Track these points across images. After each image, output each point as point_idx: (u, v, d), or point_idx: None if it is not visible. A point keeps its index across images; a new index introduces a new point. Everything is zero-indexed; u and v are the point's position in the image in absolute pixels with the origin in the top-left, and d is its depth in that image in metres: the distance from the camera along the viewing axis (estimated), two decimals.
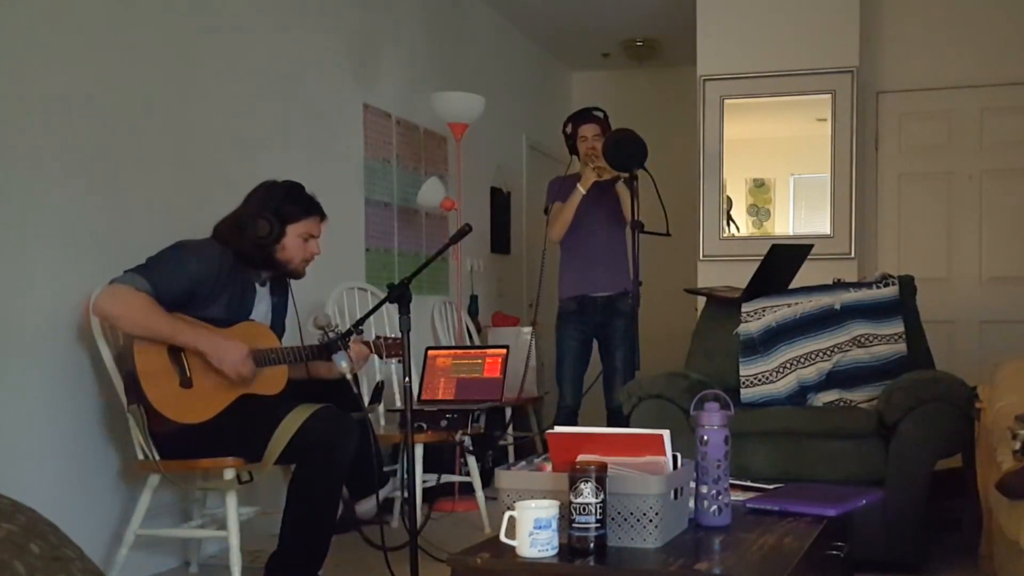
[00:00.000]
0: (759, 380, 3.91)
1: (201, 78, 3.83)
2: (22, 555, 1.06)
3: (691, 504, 2.31)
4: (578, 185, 4.58)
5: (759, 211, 5.86)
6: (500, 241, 6.71)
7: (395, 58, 5.35)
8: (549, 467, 2.22)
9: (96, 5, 3.33)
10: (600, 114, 4.78)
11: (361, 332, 3.25)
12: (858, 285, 4.00)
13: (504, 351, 4.35)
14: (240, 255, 3.18)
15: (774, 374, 3.89)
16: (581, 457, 2.09)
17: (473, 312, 5.87)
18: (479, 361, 4.34)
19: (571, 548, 2.00)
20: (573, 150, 4.81)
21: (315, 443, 3.00)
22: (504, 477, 2.21)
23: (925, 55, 5.52)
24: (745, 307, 4.04)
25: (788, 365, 3.88)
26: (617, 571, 1.97)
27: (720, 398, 2.39)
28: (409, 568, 2.85)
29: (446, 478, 4.44)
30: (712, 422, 2.33)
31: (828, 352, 3.86)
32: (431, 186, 5.15)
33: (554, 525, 1.99)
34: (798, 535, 2.21)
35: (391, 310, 3.71)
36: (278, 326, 3.38)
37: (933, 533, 3.61)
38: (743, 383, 3.92)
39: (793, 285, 4.14)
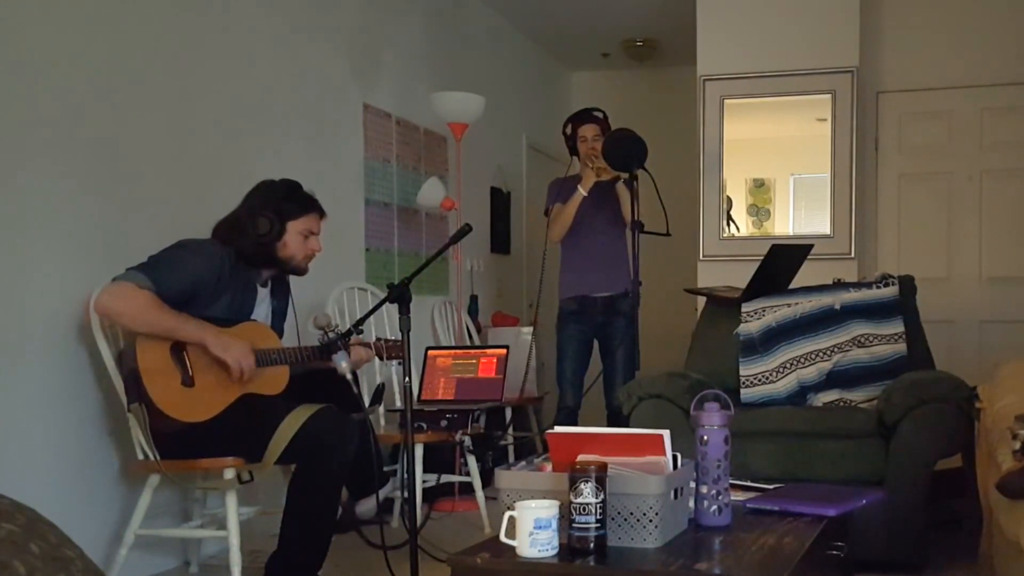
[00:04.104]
0: (759, 380, 3.91)
1: (201, 78, 3.83)
2: (22, 555, 1.06)
3: (691, 504, 2.31)
4: (579, 187, 4.58)
5: (759, 211, 5.86)
6: (500, 241, 6.71)
7: (395, 58, 5.35)
8: (549, 467, 2.22)
9: (96, 5, 3.33)
10: (600, 114, 4.78)
11: (361, 332, 3.25)
12: (858, 285, 4.00)
13: (504, 351, 4.35)
14: (241, 255, 3.19)
15: (774, 374, 3.89)
16: (581, 457, 2.09)
17: (473, 312, 5.87)
18: (479, 361, 4.34)
19: (571, 548, 2.00)
20: (573, 151, 4.81)
21: (315, 443, 3.00)
22: (504, 477, 2.21)
23: (925, 55, 5.52)
24: (745, 307, 4.04)
25: (788, 365, 3.88)
26: (617, 571, 1.97)
27: (720, 398, 2.39)
28: (409, 568, 2.85)
29: (446, 478, 4.44)
30: (712, 422, 2.33)
31: (828, 352, 3.86)
32: (431, 186, 5.15)
33: (554, 525, 1.99)
34: (798, 535, 2.21)
35: (391, 310, 3.71)
36: (277, 329, 3.38)
37: (933, 533, 3.60)
38: (743, 383, 3.92)
39: (793, 285, 4.14)
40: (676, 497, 2.16)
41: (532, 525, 1.98)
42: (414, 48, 5.57)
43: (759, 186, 5.87)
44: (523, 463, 2.35)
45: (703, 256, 5.58)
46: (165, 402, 2.97)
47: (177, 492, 3.47)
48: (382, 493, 3.34)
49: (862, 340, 3.87)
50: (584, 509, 1.97)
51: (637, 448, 2.16)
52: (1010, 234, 5.42)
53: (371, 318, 3.15)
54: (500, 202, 6.72)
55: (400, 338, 3.07)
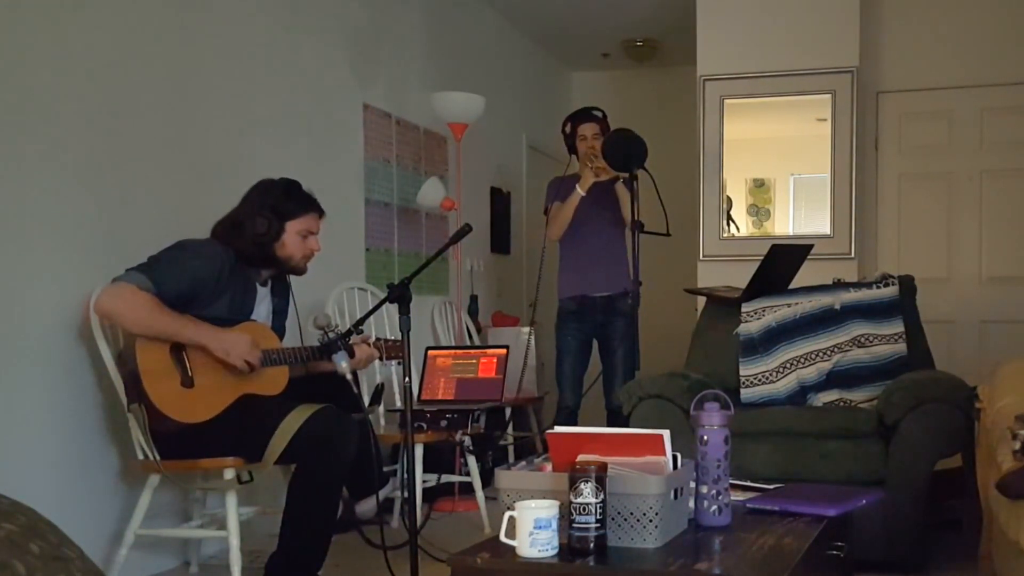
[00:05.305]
0: (759, 380, 3.91)
1: (201, 78, 3.83)
2: (22, 555, 1.06)
3: (691, 504, 2.31)
4: (577, 186, 4.58)
5: (759, 211, 5.86)
6: (500, 241, 6.71)
7: (395, 58, 5.35)
8: (549, 467, 2.22)
9: (96, 5, 3.33)
10: (599, 114, 4.78)
11: (361, 332, 3.25)
12: (858, 285, 4.01)
13: (504, 351, 4.35)
14: (241, 254, 3.18)
15: (774, 374, 3.89)
16: (581, 457, 2.09)
17: (473, 312, 5.87)
18: (479, 361, 4.34)
19: (571, 548, 2.00)
20: (572, 150, 4.81)
21: (315, 443, 3.00)
22: (504, 477, 2.21)
23: (925, 55, 5.52)
24: (745, 307, 4.04)
25: (788, 365, 3.88)
26: (617, 571, 1.97)
27: (720, 398, 2.39)
28: (409, 568, 2.85)
29: (446, 478, 4.44)
30: (712, 422, 2.33)
31: (828, 352, 3.86)
32: (431, 186, 5.15)
33: (554, 525, 1.99)
34: (798, 535, 2.21)
35: (391, 310, 3.71)
36: (279, 329, 3.38)
37: (933, 533, 3.60)
38: (743, 383, 3.92)
39: (793, 285, 4.14)
40: (676, 497, 2.16)
41: (532, 525, 1.98)
42: (414, 48, 5.57)
43: (759, 186, 5.88)
44: (523, 463, 2.35)
45: (703, 256, 5.58)
46: (164, 403, 2.97)
47: (177, 492, 3.47)
48: (382, 493, 3.33)
49: (862, 340, 3.87)
50: (584, 509, 1.97)
51: (637, 448, 2.16)
52: (1010, 234, 5.42)
53: (371, 318, 3.15)
54: (500, 202, 6.72)
55: (400, 338, 3.07)
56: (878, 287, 3.95)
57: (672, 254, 6.03)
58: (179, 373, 3.03)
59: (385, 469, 3.57)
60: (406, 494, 3.05)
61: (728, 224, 5.65)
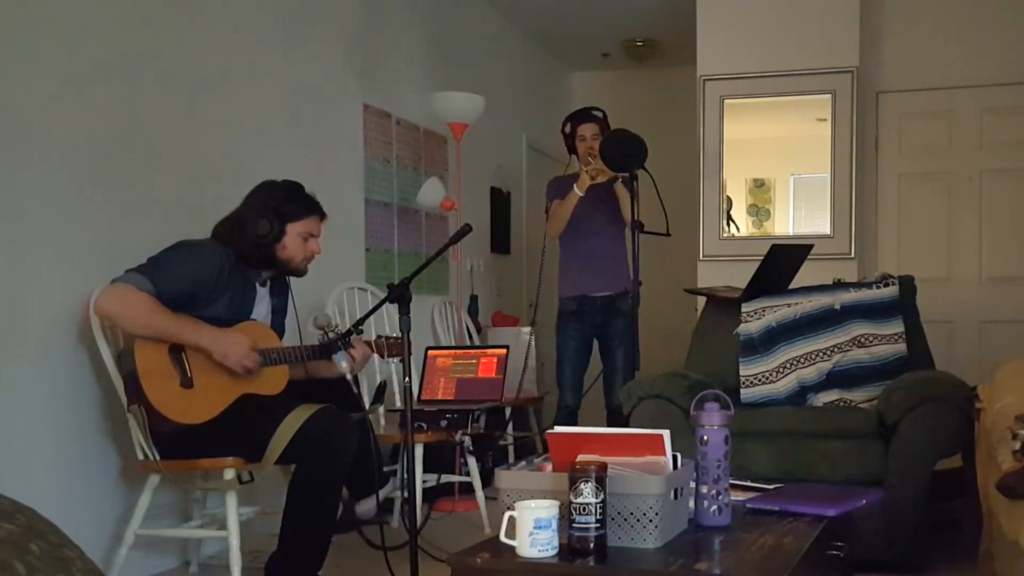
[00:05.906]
0: (759, 380, 3.90)
1: (201, 78, 3.83)
2: (22, 555, 1.06)
3: (691, 504, 2.31)
4: (575, 186, 4.57)
5: (759, 211, 5.86)
6: (500, 241, 6.71)
7: (395, 58, 5.35)
8: (549, 467, 2.22)
9: (95, 5, 3.33)
10: (599, 114, 4.77)
11: (361, 332, 3.25)
12: (858, 285, 4.01)
13: (504, 351, 4.35)
14: (241, 255, 3.19)
15: (774, 374, 3.89)
16: (581, 457, 2.09)
17: (473, 312, 5.87)
18: (479, 361, 4.34)
19: (571, 548, 1.99)
20: (572, 150, 4.81)
21: (315, 443, 3.00)
22: (504, 477, 2.21)
23: (925, 55, 5.52)
24: (745, 307, 4.04)
25: (788, 365, 3.88)
26: (617, 571, 1.97)
27: (720, 398, 2.39)
28: (409, 568, 2.85)
29: (446, 478, 4.44)
30: (712, 422, 2.33)
31: (828, 352, 3.86)
32: (431, 186, 5.15)
33: (554, 525, 1.99)
34: (798, 535, 2.21)
35: (391, 310, 3.71)
36: (278, 328, 3.38)
37: (933, 533, 3.60)
38: (743, 383, 3.92)
39: (793, 285, 4.14)
40: (676, 497, 2.16)
41: (532, 525, 1.98)
42: (414, 48, 5.57)
43: (759, 186, 5.87)
44: (523, 463, 2.35)
45: (703, 256, 5.58)
46: (164, 404, 2.97)
47: (177, 492, 3.47)
48: (382, 493, 3.33)
49: (862, 340, 3.86)
50: (584, 509, 1.97)
51: (637, 448, 2.16)
52: (1010, 234, 5.42)
53: (371, 318, 3.15)
54: (500, 202, 6.72)
55: (399, 336, 3.07)
56: (878, 287, 3.95)
57: (672, 254, 6.03)
58: (178, 374, 3.03)
59: (385, 469, 3.57)
60: (406, 494, 3.05)
61: (728, 224, 5.65)
